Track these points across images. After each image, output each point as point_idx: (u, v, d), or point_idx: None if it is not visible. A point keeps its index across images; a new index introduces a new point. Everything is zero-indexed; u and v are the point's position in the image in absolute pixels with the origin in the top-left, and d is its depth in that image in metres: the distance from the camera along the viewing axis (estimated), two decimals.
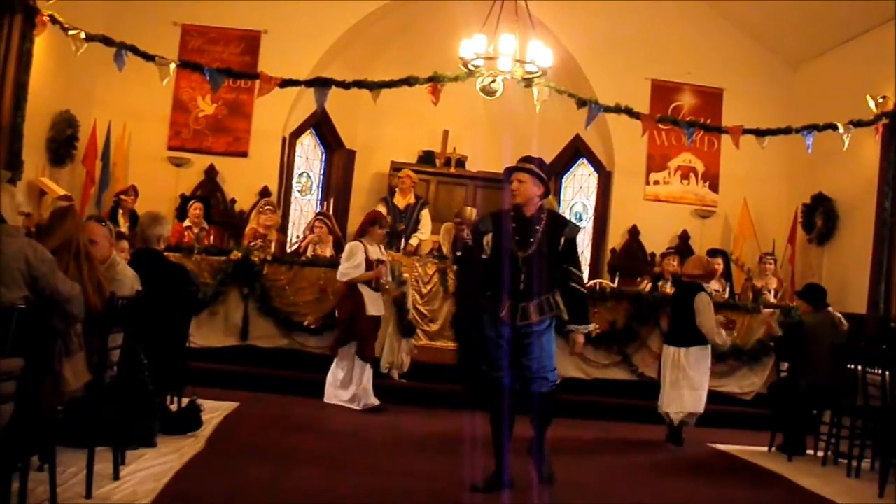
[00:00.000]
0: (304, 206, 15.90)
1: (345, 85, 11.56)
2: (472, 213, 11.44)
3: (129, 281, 6.17)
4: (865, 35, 13.04)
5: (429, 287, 12.08)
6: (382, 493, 6.14)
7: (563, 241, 6.32)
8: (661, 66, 14.82)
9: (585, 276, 14.78)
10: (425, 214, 13.03)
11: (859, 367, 8.12)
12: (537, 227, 6.28)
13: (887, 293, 12.03)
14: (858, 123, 12.00)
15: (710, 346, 8.99)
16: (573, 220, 14.03)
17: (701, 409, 8.97)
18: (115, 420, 5.65)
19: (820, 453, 8.68)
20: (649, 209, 14.72)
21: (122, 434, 5.82)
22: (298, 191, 15.81)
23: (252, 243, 11.49)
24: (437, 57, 12.54)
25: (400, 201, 13.00)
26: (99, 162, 13.36)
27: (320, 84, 11.64)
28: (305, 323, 10.63)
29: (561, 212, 15.09)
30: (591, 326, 6.57)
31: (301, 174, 15.84)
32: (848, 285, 10.67)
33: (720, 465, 8.41)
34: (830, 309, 9.41)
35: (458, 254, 6.96)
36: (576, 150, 15.83)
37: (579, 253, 6.76)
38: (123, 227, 11.44)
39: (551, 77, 11.84)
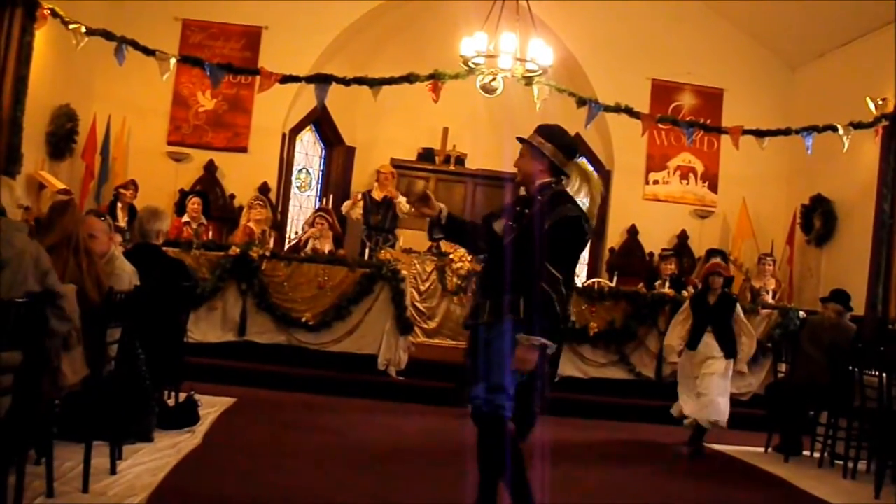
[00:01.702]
0: (304, 202, 15.91)
1: (345, 81, 11.54)
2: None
3: (127, 276, 6.17)
4: (865, 37, 13.06)
5: (427, 284, 12.08)
6: (380, 491, 6.15)
7: (546, 225, 4.87)
8: (661, 66, 14.84)
9: (584, 275, 14.81)
10: (401, 199, 13.04)
11: (856, 369, 8.15)
12: (527, 211, 5.04)
13: (885, 295, 12.02)
14: (858, 125, 11.99)
15: (693, 353, 8.89)
16: None
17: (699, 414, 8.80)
18: (113, 415, 5.64)
19: (816, 454, 8.70)
20: (648, 209, 14.73)
21: (120, 429, 5.82)
22: (298, 187, 15.83)
23: (253, 239, 11.49)
24: (438, 54, 12.54)
25: (377, 194, 13.00)
26: (98, 156, 13.35)
27: (321, 80, 11.63)
28: (303, 319, 10.63)
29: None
30: (547, 343, 4.76)
31: (300, 170, 15.85)
32: (846, 287, 10.63)
33: (716, 465, 8.42)
34: (827, 308, 9.46)
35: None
36: None
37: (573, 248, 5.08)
38: (122, 221, 11.45)
39: (551, 76, 11.84)
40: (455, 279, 12.16)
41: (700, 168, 14.98)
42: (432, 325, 12.15)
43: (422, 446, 7.90)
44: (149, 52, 11.21)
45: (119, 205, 12.00)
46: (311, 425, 8.28)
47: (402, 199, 12.88)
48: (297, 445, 7.34)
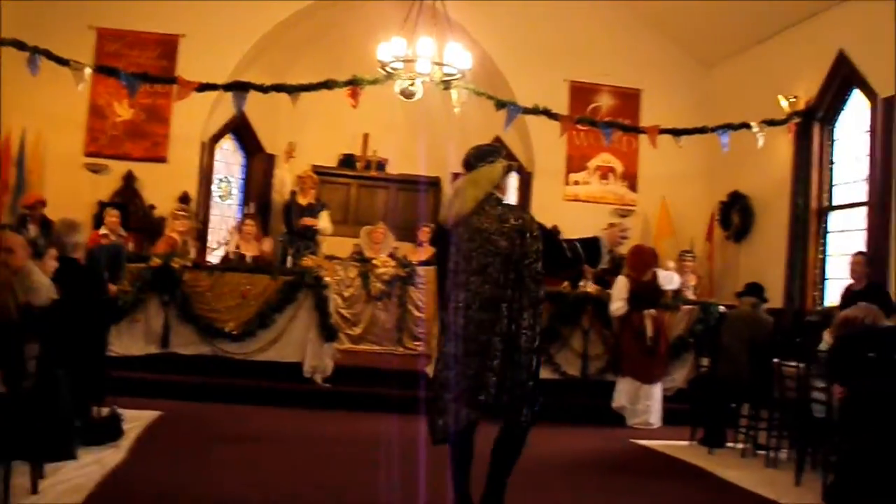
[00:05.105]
0: (225, 211, 15.77)
1: (263, 89, 11.51)
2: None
3: (45, 290, 6.08)
4: (777, 36, 13.30)
5: (351, 290, 12.08)
6: (312, 499, 6.13)
7: None
8: (579, 68, 14.94)
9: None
10: (324, 214, 12.89)
11: (775, 360, 8.30)
12: None
13: (802, 287, 12.32)
14: (772, 122, 12.26)
15: None
16: None
17: None
18: (32, 433, 5.55)
19: (740, 445, 8.84)
20: (570, 209, 14.76)
21: (40, 447, 5.72)
22: (219, 196, 15.67)
23: (175, 249, 11.37)
24: (358, 60, 12.52)
25: (302, 200, 12.90)
26: (13, 169, 13.08)
27: (238, 88, 11.58)
28: (227, 329, 10.54)
29: None
30: None
31: (221, 179, 15.70)
32: (764, 280, 10.87)
33: (642, 460, 8.50)
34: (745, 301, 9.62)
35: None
36: None
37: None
38: (35, 235, 11.21)
39: (470, 79, 11.90)
40: (379, 284, 12.20)
41: (620, 168, 15.12)
42: (357, 331, 12.17)
43: (351, 454, 7.87)
44: (62, 62, 11.04)
45: (30, 219, 11.74)
46: (239, 436, 8.21)
47: (321, 225, 12.74)
48: (225, 457, 7.27)
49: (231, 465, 6.97)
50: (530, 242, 5.16)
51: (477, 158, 5.40)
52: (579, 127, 13.41)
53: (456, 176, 15.03)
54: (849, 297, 9.73)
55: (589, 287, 11.54)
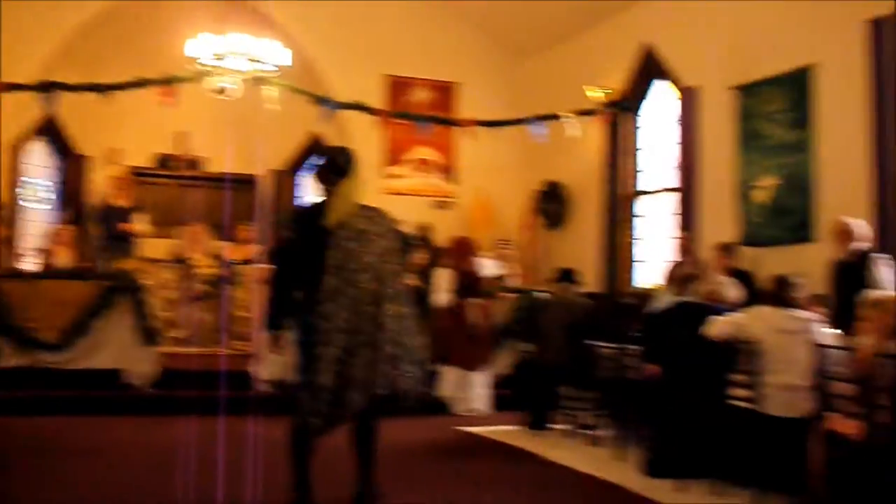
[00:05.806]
0: (39, 216, 15.22)
1: (73, 88, 11.19)
2: None
3: None
4: (589, 29, 13.70)
5: (172, 292, 11.89)
6: None
7: None
8: (395, 62, 15.05)
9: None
10: (140, 217, 12.58)
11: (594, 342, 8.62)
12: None
13: (615, 271, 12.78)
14: (584, 113, 12.65)
15: None
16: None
17: None
18: None
19: (564, 426, 9.11)
20: (390, 203, 14.77)
21: None
22: (33, 201, 15.12)
23: None
24: (174, 57, 12.31)
25: (118, 203, 12.56)
26: None
27: (46, 88, 11.24)
28: (45, 338, 10.18)
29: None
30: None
31: (32, 183, 15.15)
32: (581, 265, 11.21)
33: (469, 445, 8.66)
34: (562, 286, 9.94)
35: None
36: (313, 148, 15.89)
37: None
38: None
39: (287, 75, 11.86)
40: (200, 285, 12.02)
41: (438, 160, 15.31)
42: (181, 333, 11.97)
43: (179, 458, 7.73)
44: None
45: None
46: (62, 449, 7.98)
47: (138, 229, 12.43)
48: (48, 471, 7.05)
49: (53, 479, 6.79)
50: (399, 240, 5.73)
51: (350, 164, 5.70)
52: (396, 121, 13.53)
53: (279, 174, 15.06)
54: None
55: (409, 279, 11.64)
